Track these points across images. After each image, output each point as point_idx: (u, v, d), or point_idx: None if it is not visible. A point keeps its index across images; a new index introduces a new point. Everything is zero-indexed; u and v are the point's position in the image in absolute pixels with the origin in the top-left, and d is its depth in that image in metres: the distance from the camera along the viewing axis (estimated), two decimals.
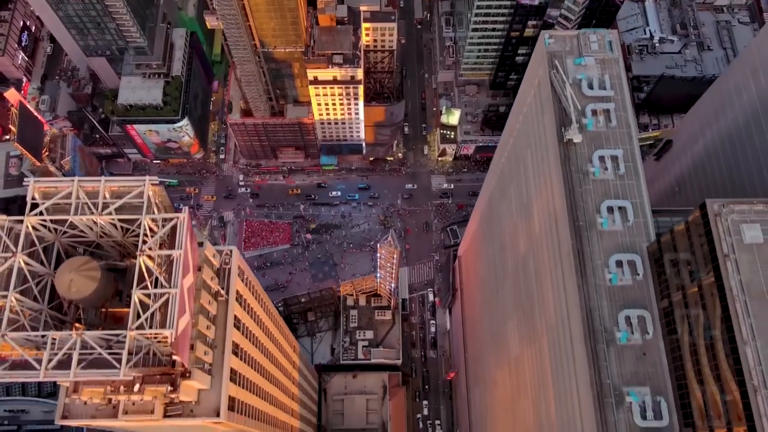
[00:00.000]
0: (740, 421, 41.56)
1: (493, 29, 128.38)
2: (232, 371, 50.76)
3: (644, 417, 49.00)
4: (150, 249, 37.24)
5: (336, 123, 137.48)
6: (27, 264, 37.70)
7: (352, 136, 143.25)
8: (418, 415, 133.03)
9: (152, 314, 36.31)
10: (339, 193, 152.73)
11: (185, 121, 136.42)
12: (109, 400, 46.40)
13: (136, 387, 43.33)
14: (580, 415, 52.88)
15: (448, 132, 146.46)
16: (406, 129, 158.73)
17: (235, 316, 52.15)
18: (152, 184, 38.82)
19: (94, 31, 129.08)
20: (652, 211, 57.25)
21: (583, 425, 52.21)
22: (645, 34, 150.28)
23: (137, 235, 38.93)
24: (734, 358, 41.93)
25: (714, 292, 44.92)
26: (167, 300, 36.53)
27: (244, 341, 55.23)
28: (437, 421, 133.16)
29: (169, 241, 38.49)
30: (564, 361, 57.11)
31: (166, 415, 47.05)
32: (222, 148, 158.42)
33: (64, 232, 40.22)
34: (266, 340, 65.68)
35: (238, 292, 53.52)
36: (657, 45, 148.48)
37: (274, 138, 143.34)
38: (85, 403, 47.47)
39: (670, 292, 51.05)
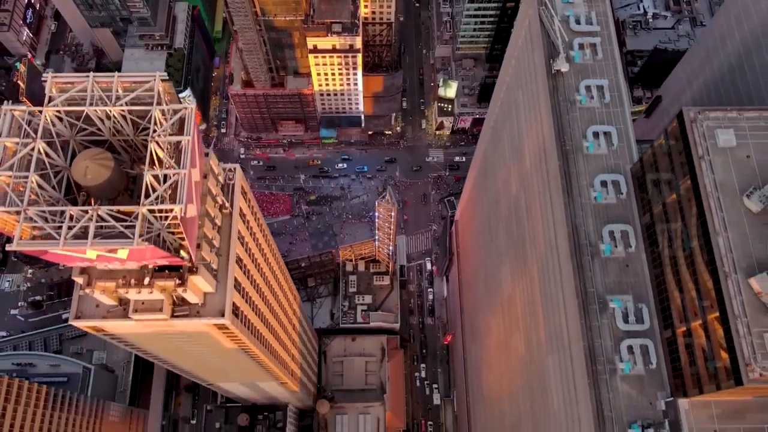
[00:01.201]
0: (713, 308, 44.25)
1: (489, 0, 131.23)
2: (236, 281, 53.40)
3: (626, 321, 51.90)
4: (159, 136, 39.89)
5: (335, 94, 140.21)
6: (46, 153, 40.35)
7: (351, 107, 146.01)
8: (416, 374, 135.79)
9: (162, 195, 38.90)
10: (345, 166, 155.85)
11: (188, 92, 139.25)
12: (120, 301, 49.28)
13: (146, 280, 46.10)
14: (567, 325, 55.56)
15: (446, 105, 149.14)
16: (404, 104, 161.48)
17: (238, 231, 54.84)
18: (162, 80, 41.52)
19: (99, 2, 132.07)
20: (636, 141, 60.11)
21: (569, 334, 54.89)
22: (639, 9, 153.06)
23: (148, 134, 41.53)
24: (708, 249, 44.64)
25: (691, 196, 47.62)
26: (176, 182, 39.14)
27: (247, 258, 57.90)
28: (434, 386, 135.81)
29: (178, 131, 41.13)
30: (552, 279, 59.81)
31: (173, 315, 49.84)
32: (223, 122, 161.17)
33: (80, 129, 42.86)
34: (266, 267, 68.36)
35: (241, 210, 56.25)
36: (650, 21, 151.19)
37: (274, 110, 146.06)
38: (97, 306, 50.36)
39: (651, 206, 53.79)
